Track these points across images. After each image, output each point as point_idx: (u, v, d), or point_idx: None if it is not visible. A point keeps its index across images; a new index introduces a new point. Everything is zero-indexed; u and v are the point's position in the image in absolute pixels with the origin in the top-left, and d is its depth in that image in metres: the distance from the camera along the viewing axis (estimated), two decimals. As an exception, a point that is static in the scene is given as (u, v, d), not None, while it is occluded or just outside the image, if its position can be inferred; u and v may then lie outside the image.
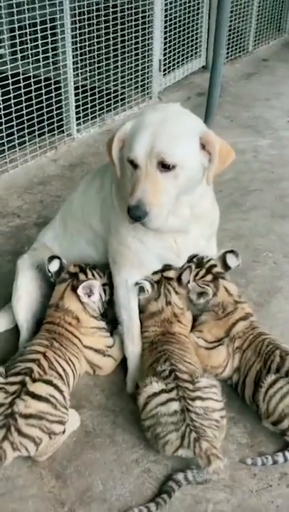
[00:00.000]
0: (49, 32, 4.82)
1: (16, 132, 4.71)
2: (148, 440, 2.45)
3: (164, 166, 2.30)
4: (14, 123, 4.67)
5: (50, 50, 4.87)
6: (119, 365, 2.89)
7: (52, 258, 2.89)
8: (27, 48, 4.75)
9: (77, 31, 5.43)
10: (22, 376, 2.42)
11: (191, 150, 2.36)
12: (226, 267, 2.94)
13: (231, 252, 2.94)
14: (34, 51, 4.77)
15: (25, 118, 4.73)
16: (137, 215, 2.29)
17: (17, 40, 4.64)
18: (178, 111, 2.47)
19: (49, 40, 4.82)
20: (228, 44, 7.80)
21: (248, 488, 2.34)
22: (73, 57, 5.20)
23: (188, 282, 2.78)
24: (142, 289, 2.75)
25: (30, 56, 4.76)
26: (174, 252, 2.69)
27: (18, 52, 4.64)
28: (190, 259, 2.85)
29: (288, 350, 2.62)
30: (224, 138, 2.47)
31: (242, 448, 2.51)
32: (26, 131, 4.81)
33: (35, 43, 4.74)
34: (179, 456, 2.37)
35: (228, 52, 7.83)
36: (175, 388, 2.41)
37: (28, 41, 4.71)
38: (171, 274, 2.80)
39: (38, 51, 4.77)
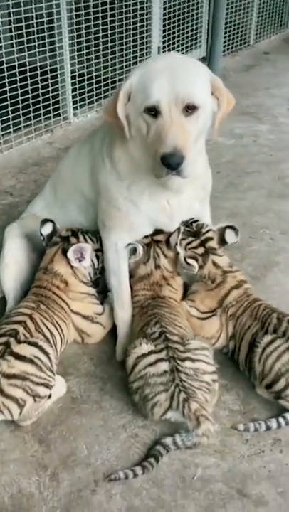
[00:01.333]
0: (46, 19, 4.84)
1: (10, 115, 4.70)
2: (136, 404, 2.36)
3: (188, 109, 2.21)
4: (9, 107, 4.67)
5: (46, 38, 4.91)
6: (109, 334, 2.81)
7: (45, 221, 2.81)
8: (27, 37, 4.77)
9: (75, 19, 5.39)
10: (7, 337, 2.34)
11: (207, 92, 2.30)
12: (223, 241, 2.81)
13: (232, 227, 2.80)
14: (29, 38, 4.77)
15: (21, 102, 4.73)
16: (175, 161, 2.15)
17: (14, 33, 4.65)
18: (184, 57, 2.41)
19: (45, 27, 4.83)
20: (229, 37, 7.78)
21: (239, 453, 2.25)
22: (71, 45, 5.19)
23: (176, 244, 2.69)
24: (133, 251, 2.66)
25: (26, 44, 4.76)
26: (166, 215, 2.60)
27: (14, 41, 4.66)
28: (186, 223, 2.77)
29: (285, 313, 2.53)
30: (223, 124, 2.44)
31: (234, 415, 2.41)
32: (21, 113, 4.79)
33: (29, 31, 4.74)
34: (168, 420, 2.29)
35: (229, 45, 7.83)
36: (165, 349, 2.33)
37: (25, 31, 4.73)
38: (160, 237, 2.72)
39: (35, 39, 4.81)
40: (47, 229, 2.80)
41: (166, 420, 2.30)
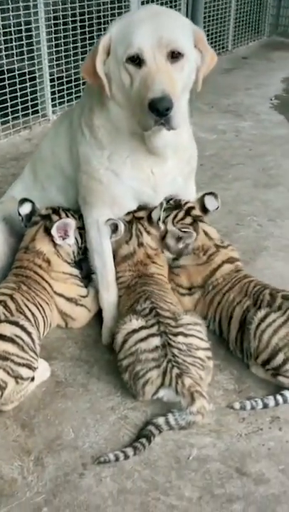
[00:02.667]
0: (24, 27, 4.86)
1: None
2: (126, 384, 2.22)
3: (173, 56, 2.11)
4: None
5: (25, 43, 4.91)
6: (94, 318, 2.67)
7: (23, 201, 2.67)
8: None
9: (53, 28, 5.34)
10: None
11: (191, 42, 2.22)
12: (205, 210, 2.72)
13: (210, 193, 2.73)
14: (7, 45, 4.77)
15: None
16: (165, 106, 2.02)
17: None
18: (164, 7, 2.33)
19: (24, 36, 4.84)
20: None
21: (236, 432, 2.11)
22: (49, 48, 5.19)
23: (159, 220, 2.57)
24: (114, 229, 2.53)
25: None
26: (150, 185, 2.48)
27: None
28: (167, 201, 2.66)
29: (278, 288, 2.42)
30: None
31: (229, 394, 2.28)
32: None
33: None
34: (160, 400, 2.16)
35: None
36: (156, 324, 2.21)
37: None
38: (141, 213, 2.60)
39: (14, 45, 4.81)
40: (25, 209, 2.66)
41: (158, 401, 2.17)
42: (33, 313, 2.35)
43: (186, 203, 2.70)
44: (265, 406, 2.19)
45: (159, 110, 2.05)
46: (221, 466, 1.97)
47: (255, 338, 2.27)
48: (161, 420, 2.08)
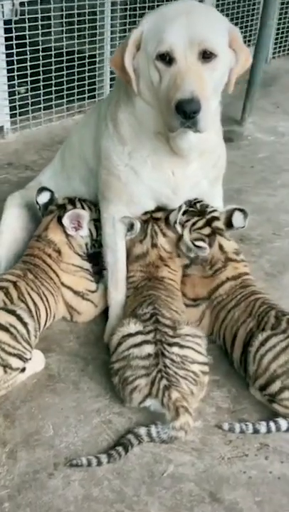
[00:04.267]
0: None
1: (42, 90, 4.68)
2: (115, 387, 2.17)
3: (205, 56, 2.03)
4: (42, 86, 4.66)
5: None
6: (101, 315, 2.63)
7: (42, 189, 2.65)
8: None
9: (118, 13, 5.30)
10: None
11: (225, 41, 2.12)
12: (229, 225, 2.58)
13: (241, 210, 2.57)
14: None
15: (54, 79, 4.70)
16: (193, 108, 1.95)
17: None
18: (199, 3, 2.24)
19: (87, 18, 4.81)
20: (281, 38, 7.53)
21: (219, 454, 2.02)
22: (112, 33, 5.15)
23: (176, 222, 2.48)
24: (130, 227, 2.47)
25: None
26: (170, 187, 2.40)
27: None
28: (189, 203, 2.56)
29: (284, 311, 2.29)
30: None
31: (221, 412, 2.19)
32: (53, 90, 4.76)
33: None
34: (147, 409, 2.10)
35: (285, 46, 7.57)
36: (153, 331, 2.14)
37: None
38: (160, 214, 2.52)
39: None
40: (43, 197, 2.64)
41: (145, 409, 2.11)
42: (35, 303, 2.33)
43: (211, 211, 2.57)
44: (256, 431, 2.08)
45: (186, 112, 1.97)
46: (194, 488, 1.89)
47: (254, 361, 2.16)
48: (142, 431, 2.02)
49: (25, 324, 2.18)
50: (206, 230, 2.52)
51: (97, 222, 2.60)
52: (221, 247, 2.50)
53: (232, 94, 2.29)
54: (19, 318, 2.17)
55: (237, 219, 2.55)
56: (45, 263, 2.49)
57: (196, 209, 2.58)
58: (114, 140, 2.34)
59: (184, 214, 2.52)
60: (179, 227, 2.50)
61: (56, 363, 2.38)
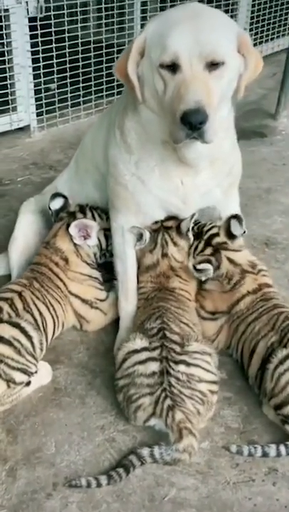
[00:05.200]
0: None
1: (69, 87, 4.63)
2: (120, 404, 2.11)
3: (212, 64, 1.92)
4: (68, 82, 4.60)
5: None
6: (112, 325, 2.57)
7: (55, 195, 2.61)
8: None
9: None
10: None
11: (233, 47, 2.01)
12: (231, 235, 2.46)
13: (235, 217, 2.45)
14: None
15: (81, 76, 4.67)
16: (198, 119, 1.86)
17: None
18: (206, 6, 2.12)
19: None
20: None
21: (224, 478, 1.94)
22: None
23: (188, 231, 2.40)
24: (139, 237, 2.40)
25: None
26: (179, 196, 2.31)
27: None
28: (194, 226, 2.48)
29: None
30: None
31: (230, 433, 2.10)
32: (81, 86, 4.72)
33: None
34: (152, 428, 2.04)
35: None
36: (159, 347, 2.07)
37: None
38: (170, 223, 2.43)
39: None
40: (56, 204, 2.59)
41: (150, 427, 2.05)
42: (41, 313, 2.29)
43: (207, 230, 2.47)
44: (265, 455, 1.99)
45: (192, 123, 1.87)
46: (195, 515, 1.83)
47: (272, 379, 2.07)
48: (145, 452, 1.95)
49: (29, 337, 2.14)
50: (208, 250, 2.43)
51: (107, 232, 2.54)
52: (231, 260, 2.40)
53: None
54: (23, 332, 2.14)
55: (235, 227, 2.44)
56: (51, 271, 2.45)
57: (194, 232, 2.49)
58: (120, 149, 2.27)
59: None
60: (191, 236, 2.41)
61: (64, 375, 2.34)
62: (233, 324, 2.36)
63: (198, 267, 2.34)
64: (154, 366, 2.03)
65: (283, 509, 1.85)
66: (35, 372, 2.19)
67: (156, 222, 2.42)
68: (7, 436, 2.07)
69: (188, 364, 2.04)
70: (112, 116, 2.42)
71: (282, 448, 1.99)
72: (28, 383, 2.17)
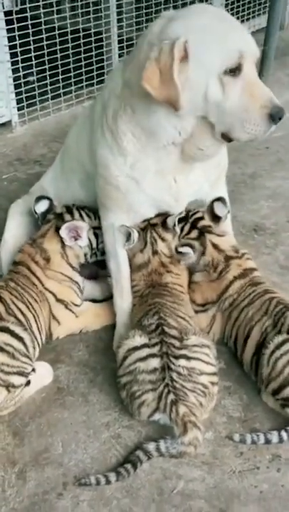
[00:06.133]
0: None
1: (48, 80, 4.58)
2: (123, 400, 2.15)
3: None
4: (48, 73, 4.54)
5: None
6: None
7: (40, 198, 2.59)
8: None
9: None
10: None
11: None
12: (216, 217, 2.51)
13: (218, 199, 2.50)
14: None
15: (60, 67, 4.61)
16: (284, 113, 1.99)
17: None
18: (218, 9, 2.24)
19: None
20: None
21: (230, 467, 1.99)
22: (118, 7, 4.98)
23: (175, 225, 2.43)
24: (128, 237, 2.41)
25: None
26: (171, 194, 2.32)
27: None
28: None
29: None
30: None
31: (232, 422, 2.15)
32: (60, 78, 4.67)
33: None
34: (156, 422, 2.08)
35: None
36: (159, 343, 2.10)
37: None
38: (156, 219, 2.46)
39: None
40: (41, 206, 2.57)
41: (155, 422, 2.09)
42: (23, 313, 2.27)
43: (193, 213, 2.52)
44: (268, 441, 2.04)
45: (281, 118, 1.99)
46: (204, 505, 1.87)
47: (268, 364, 2.11)
48: (151, 446, 1.99)
49: (20, 339, 2.14)
50: (194, 233, 2.48)
51: (97, 230, 2.55)
52: (215, 246, 2.45)
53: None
54: (13, 335, 2.13)
55: (218, 208, 2.49)
56: (28, 269, 2.43)
57: (181, 217, 2.52)
58: (113, 151, 2.25)
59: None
60: (178, 229, 2.45)
61: (65, 374, 2.36)
62: (226, 312, 2.40)
63: (180, 249, 2.40)
64: (155, 362, 2.06)
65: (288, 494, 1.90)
66: (33, 370, 2.19)
67: (143, 221, 2.44)
68: (14, 438, 2.10)
69: (188, 358, 2.08)
70: (95, 118, 2.39)
71: (283, 434, 2.04)
72: (28, 383, 2.18)
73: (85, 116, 2.63)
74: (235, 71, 1.95)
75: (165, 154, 2.20)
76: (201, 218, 2.50)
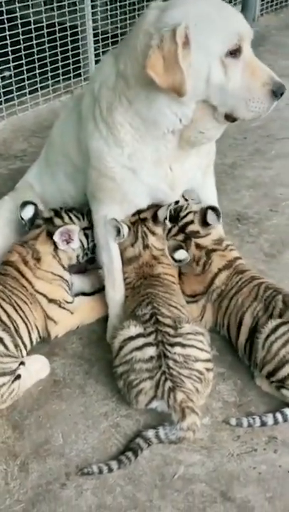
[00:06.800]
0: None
1: (25, 75, 4.55)
2: (120, 390, 2.18)
3: None
4: (24, 67, 4.51)
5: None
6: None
7: (25, 204, 2.56)
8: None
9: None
10: None
11: None
12: (205, 223, 2.53)
13: (212, 209, 2.53)
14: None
15: (37, 61, 4.59)
16: (285, 88, 2.08)
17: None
18: None
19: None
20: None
21: (228, 451, 2.04)
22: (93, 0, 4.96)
23: (166, 219, 2.47)
24: (117, 232, 2.43)
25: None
26: (167, 183, 2.35)
27: None
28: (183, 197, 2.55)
29: None
30: None
31: (228, 407, 2.20)
32: (37, 73, 4.63)
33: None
34: (154, 409, 2.11)
35: (273, 0, 7.34)
36: (154, 332, 2.14)
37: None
38: (146, 214, 2.49)
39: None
40: (27, 212, 2.54)
41: (152, 410, 2.12)
42: (8, 315, 2.27)
43: (183, 216, 2.56)
44: (263, 424, 2.10)
45: (282, 93, 2.07)
46: (205, 488, 1.91)
47: (263, 348, 2.17)
48: (150, 433, 2.03)
49: (0, 340, 2.14)
50: (180, 237, 2.53)
51: (87, 231, 2.56)
52: (197, 245, 2.51)
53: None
54: None
55: (211, 217, 2.52)
56: (17, 271, 2.42)
57: (171, 215, 2.57)
58: (108, 142, 2.26)
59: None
60: (168, 223, 2.49)
61: (61, 367, 2.38)
62: (216, 302, 2.45)
63: (176, 256, 2.45)
64: (151, 351, 2.09)
65: (287, 474, 1.96)
66: (22, 363, 2.18)
67: (133, 215, 2.47)
68: (13, 432, 2.12)
69: (183, 345, 2.12)
70: (84, 111, 2.40)
71: (278, 415, 2.10)
72: (18, 376, 2.15)
73: (69, 109, 2.64)
74: (235, 53, 2.01)
75: (163, 143, 2.23)
76: (190, 223, 2.53)
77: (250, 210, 3.43)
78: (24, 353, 2.29)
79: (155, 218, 2.47)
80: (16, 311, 2.30)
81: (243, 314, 2.32)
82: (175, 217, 2.55)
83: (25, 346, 2.31)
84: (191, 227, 2.53)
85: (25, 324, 2.32)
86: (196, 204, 2.60)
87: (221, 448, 2.04)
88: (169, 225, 2.50)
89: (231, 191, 3.63)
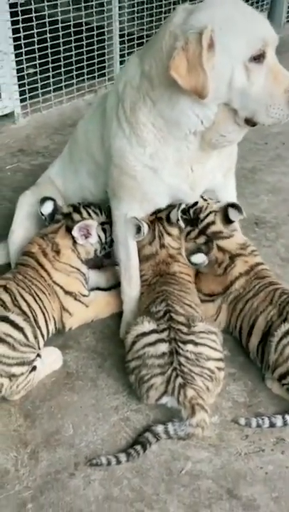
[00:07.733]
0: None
1: (51, 72, 4.60)
2: (132, 385, 2.21)
3: None
4: (50, 65, 4.56)
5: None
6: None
7: (44, 199, 2.61)
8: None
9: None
10: None
11: None
12: (228, 220, 2.56)
13: (233, 205, 2.56)
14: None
15: (63, 60, 4.64)
16: None
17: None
18: None
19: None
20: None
21: (236, 450, 2.05)
22: (121, 2, 5.05)
23: (178, 220, 2.49)
24: (138, 230, 2.46)
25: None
26: (188, 183, 2.37)
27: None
28: (186, 210, 2.60)
29: None
30: None
31: (238, 407, 2.21)
32: (63, 71, 4.69)
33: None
34: (164, 405, 2.13)
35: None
36: (167, 329, 2.16)
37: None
38: (162, 214, 2.53)
39: None
40: (47, 208, 2.59)
41: (162, 405, 2.14)
42: (29, 305, 2.30)
43: (203, 218, 2.57)
44: (272, 425, 2.11)
45: None
46: (212, 485, 1.93)
47: (276, 351, 2.18)
48: (160, 428, 2.06)
49: (21, 329, 2.16)
50: (201, 239, 2.55)
51: (105, 225, 2.60)
52: (220, 248, 2.51)
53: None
54: (13, 325, 2.15)
55: (232, 214, 2.54)
56: (37, 262, 2.46)
57: (188, 217, 2.58)
58: (131, 142, 2.28)
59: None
60: (182, 223, 2.51)
61: (74, 359, 2.41)
62: (231, 304, 2.46)
63: (193, 260, 2.46)
64: (163, 347, 2.12)
65: (293, 475, 1.97)
66: (38, 356, 2.22)
67: (152, 214, 2.50)
68: (25, 421, 2.15)
69: (195, 343, 2.14)
70: (106, 110, 2.43)
71: (287, 417, 2.12)
72: (34, 368, 2.20)
73: (94, 108, 2.68)
74: (259, 58, 2.01)
75: (185, 144, 2.25)
76: (212, 223, 2.55)
77: (268, 214, 3.44)
78: (42, 343, 2.32)
79: (168, 220, 2.50)
80: (36, 301, 2.34)
81: (257, 317, 2.33)
82: (195, 219, 2.57)
83: (42, 336, 2.34)
84: (212, 228, 2.54)
85: (44, 314, 2.36)
86: (216, 203, 2.61)
87: (229, 446, 2.06)
88: (183, 226, 2.51)
89: (250, 195, 3.64)
